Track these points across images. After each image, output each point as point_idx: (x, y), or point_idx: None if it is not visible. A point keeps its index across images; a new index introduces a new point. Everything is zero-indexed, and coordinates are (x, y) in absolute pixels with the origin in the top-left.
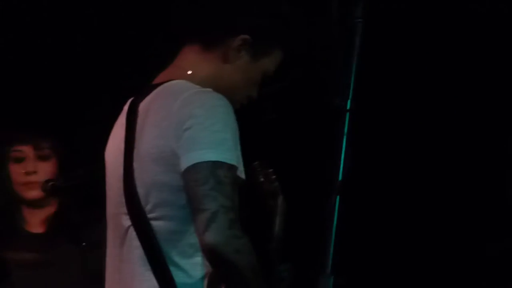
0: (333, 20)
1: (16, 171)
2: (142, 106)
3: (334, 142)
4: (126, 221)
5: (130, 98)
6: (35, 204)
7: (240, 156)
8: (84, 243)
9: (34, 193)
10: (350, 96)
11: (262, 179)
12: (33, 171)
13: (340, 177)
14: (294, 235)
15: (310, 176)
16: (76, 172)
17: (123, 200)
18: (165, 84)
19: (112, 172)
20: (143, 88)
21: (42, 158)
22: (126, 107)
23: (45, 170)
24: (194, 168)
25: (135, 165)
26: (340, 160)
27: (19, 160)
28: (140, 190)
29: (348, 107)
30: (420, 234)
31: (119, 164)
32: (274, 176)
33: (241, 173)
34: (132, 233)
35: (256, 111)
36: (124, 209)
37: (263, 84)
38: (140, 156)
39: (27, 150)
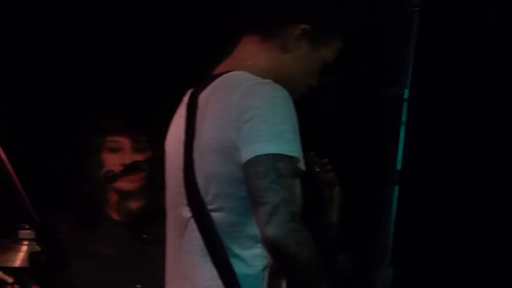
0: (390, 10)
1: (111, 161)
2: (202, 97)
3: (392, 131)
4: (186, 212)
5: (189, 89)
6: (126, 195)
7: (300, 147)
8: (144, 235)
9: (127, 185)
10: (408, 85)
11: (317, 169)
12: (129, 163)
13: (398, 167)
14: (352, 226)
15: (368, 166)
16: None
17: (183, 191)
18: (225, 75)
19: (172, 163)
20: (203, 79)
21: (138, 150)
22: (186, 98)
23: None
24: (255, 160)
25: (195, 156)
26: (398, 149)
27: (115, 150)
28: (200, 181)
29: (406, 96)
30: (479, 223)
31: (179, 155)
32: (329, 166)
33: (302, 165)
34: (192, 224)
35: (313, 101)
36: (184, 200)
37: (320, 74)
38: (200, 147)
39: (123, 141)
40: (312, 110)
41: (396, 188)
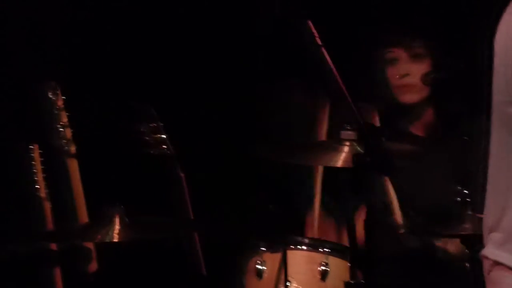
0: None
1: (391, 74)
2: None
3: None
4: None
5: None
6: (411, 108)
7: None
8: (465, 137)
9: (408, 97)
10: None
11: None
12: (405, 73)
13: None
14: None
15: None
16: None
17: (510, 89)
18: None
19: (500, 59)
20: None
21: (415, 58)
22: None
23: (418, 71)
24: None
25: None
26: None
27: (393, 62)
28: None
29: None
30: None
31: (507, 51)
32: None
33: None
34: None
35: None
36: (510, 98)
37: None
38: None
39: (398, 52)
40: None
41: None
